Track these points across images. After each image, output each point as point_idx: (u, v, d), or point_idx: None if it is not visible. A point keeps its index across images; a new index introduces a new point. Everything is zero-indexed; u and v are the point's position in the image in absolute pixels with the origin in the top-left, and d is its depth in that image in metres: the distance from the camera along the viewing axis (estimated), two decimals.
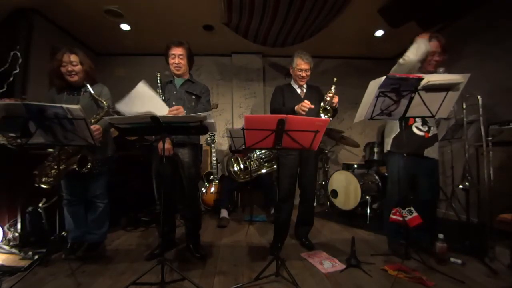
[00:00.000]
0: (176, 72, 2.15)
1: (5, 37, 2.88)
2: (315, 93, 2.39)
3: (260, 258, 2.08)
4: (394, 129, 2.18)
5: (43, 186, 1.84)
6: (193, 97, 2.17)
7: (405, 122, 2.08)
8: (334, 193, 3.47)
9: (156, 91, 2.07)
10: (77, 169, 1.88)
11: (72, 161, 1.90)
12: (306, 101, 2.09)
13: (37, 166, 1.90)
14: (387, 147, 2.22)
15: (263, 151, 3.45)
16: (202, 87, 2.23)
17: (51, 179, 1.84)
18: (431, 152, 2.10)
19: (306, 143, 1.69)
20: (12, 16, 2.93)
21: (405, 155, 1.95)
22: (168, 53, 2.12)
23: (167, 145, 1.97)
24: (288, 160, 2.23)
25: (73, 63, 1.95)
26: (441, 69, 1.92)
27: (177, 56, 2.10)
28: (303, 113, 2.10)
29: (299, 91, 2.38)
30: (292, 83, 2.42)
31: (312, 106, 2.10)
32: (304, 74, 2.30)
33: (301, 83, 2.36)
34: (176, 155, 2.07)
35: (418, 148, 2.07)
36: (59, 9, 3.04)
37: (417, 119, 2.10)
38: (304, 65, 2.29)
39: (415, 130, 2.09)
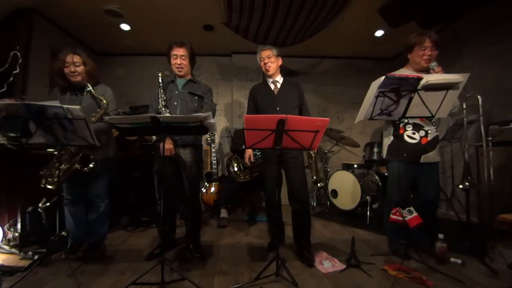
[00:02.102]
0: (178, 73, 2.15)
1: (5, 37, 2.88)
2: (292, 88, 2.26)
3: (260, 258, 2.08)
4: (389, 137, 2.18)
5: (48, 186, 1.85)
6: (196, 97, 2.16)
7: (395, 131, 2.10)
8: (334, 193, 3.47)
9: (158, 91, 2.08)
10: (79, 168, 1.88)
11: (75, 161, 1.91)
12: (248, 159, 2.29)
13: (38, 166, 1.91)
14: (384, 153, 2.23)
15: None
16: (205, 88, 2.23)
17: (56, 179, 1.85)
18: (431, 157, 2.04)
19: (306, 143, 1.69)
20: (12, 16, 2.93)
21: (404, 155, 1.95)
22: (170, 54, 2.12)
23: (169, 145, 1.97)
24: (268, 163, 2.18)
25: (76, 64, 1.95)
26: (433, 63, 1.92)
27: (179, 57, 2.10)
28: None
29: (272, 86, 2.26)
30: (267, 79, 2.31)
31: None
32: (267, 61, 2.19)
33: (269, 72, 2.22)
34: (178, 156, 2.07)
35: (413, 156, 2.02)
36: (59, 9, 3.03)
37: (407, 128, 2.06)
38: (263, 53, 2.20)
39: (407, 138, 2.05)
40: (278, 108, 2.16)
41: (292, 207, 2.15)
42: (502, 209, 2.19)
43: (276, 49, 2.24)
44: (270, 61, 2.19)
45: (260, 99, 2.27)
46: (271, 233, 2.34)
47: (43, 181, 1.86)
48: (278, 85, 2.25)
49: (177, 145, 2.05)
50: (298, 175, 2.12)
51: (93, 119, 1.92)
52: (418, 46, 2.01)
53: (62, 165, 1.85)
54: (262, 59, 2.22)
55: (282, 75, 2.31)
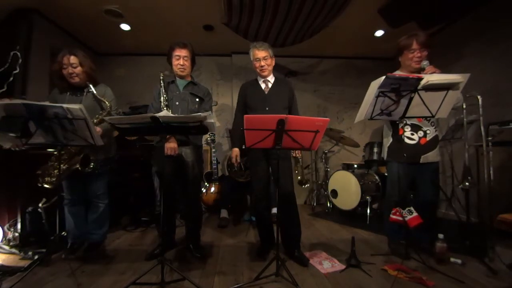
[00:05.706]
0: (180, 74, 2.15)
1: (5, 37, 2.88)
2: (283, 88, 2.20)
3: (260, 258, 2.08)
4: (388, 138, 2.18)
5: (46, 186, 1.85)
6: (197, 99, 2.17)
7: (394, 132, 2.10)
8: (334, 193, 3.47)
9: (160, 91, 2.08)
10: (79, 168, 1.88)
11: (75, 161, 1.91)
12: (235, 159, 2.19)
13: (38, 166, 1.91)
14: (384, 155, 2.23)
15: None
16: (205, 90, 2.24)
17: (53, 179, 1.85)
18: (431, 157, 2.05)
19: (306, 143, 1.70)
20: (12, 16, 2.93)
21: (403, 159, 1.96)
22: (172, 54, 2.12)
23: (174, 144, 1.97)
24: (256, 162, 2.15)
25: (73, 65, 1.95)
26: (424, 62, 1.94)
27: (182, 58, 2.10)
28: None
29: (263, 86, 2.19)
30: (258, 78, 2.24)
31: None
32: (263, 63, 2.11)
33: (264, 74, 2.16)
34: (180, 155, 2.07)
35: (413, 157, 2.03)
36: (59, 9, 3.03)
37: (406, 129, 2.07)
38: (259, 53, 2.11)
39: (406, 140, 2.06)
40: (267, 108, 2.11)
41: (278, 205, 1.98)
42: (502, 209, 2.19)
43: (272, 49, 2.17)
44: (267, 63, 2.12)
45: (250, 98, 2.21)
46: (260, 237, 2.25)
47: (40, 180, 1.86)
48: (270, 85, 2.20)
49: (179, 145, 2.05)
50: (284, 171, 2.06)
51: (95, 120, 1.93)
52: (407, 49, 2.05)
53: (62, 165, 1.84)
54: (257, 59, 2.13)
55: (281, 75, 2.28)
